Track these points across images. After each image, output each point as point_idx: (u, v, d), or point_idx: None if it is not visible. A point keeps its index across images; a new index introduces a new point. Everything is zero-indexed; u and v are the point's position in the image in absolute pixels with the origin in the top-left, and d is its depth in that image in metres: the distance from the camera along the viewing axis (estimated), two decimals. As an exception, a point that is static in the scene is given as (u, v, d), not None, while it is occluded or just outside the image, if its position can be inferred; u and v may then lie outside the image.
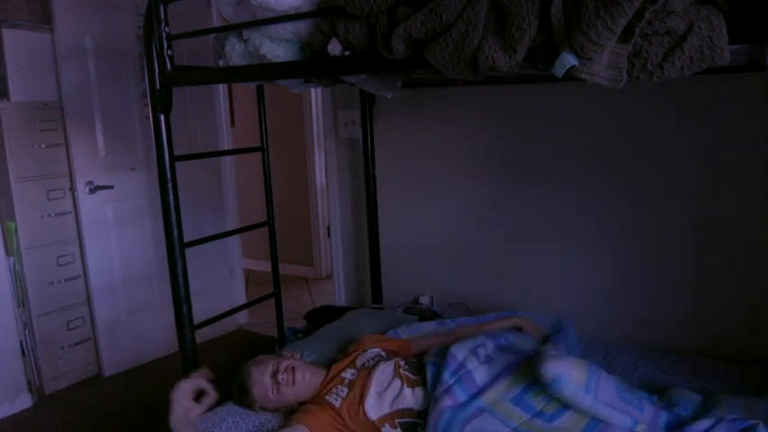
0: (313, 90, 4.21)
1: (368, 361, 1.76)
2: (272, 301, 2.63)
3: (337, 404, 1.63)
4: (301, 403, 1.71)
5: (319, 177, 4.60)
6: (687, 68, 1.03)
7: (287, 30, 1.49)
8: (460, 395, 1.52)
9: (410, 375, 1.66)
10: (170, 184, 1.84)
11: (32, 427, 2.71)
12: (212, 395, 1.67)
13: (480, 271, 2.55)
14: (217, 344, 3.52)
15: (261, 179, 2.58)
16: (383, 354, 1.82)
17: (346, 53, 1.41)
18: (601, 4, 1.00)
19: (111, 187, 3.05)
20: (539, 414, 1.44)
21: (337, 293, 3.02)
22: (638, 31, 1.02)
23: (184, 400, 1.61)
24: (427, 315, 2.42)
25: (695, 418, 1.51)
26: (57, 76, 2.89)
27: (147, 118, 3.10)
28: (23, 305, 2.87)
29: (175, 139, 1.85)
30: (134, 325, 3.23)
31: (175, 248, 1.88)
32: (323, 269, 4.76)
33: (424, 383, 1.63)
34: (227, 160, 3.67)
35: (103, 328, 3.12)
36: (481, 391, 1.53)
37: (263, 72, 1.64)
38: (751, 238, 2.00)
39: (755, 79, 1.83)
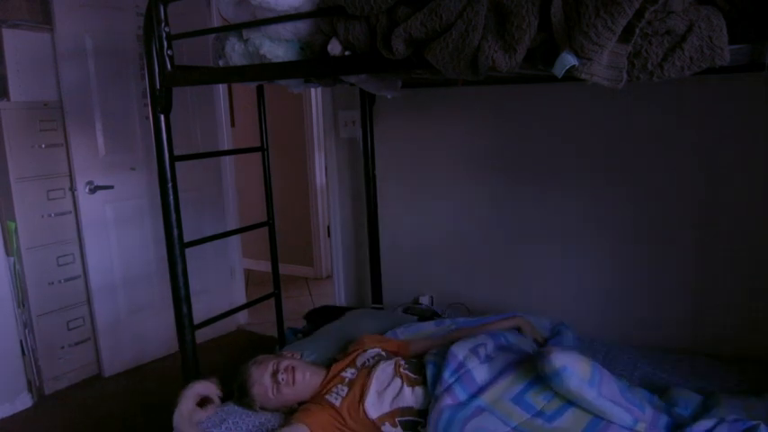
0: (313, 90, 4.21)
1: (368, 360, 1.76)
2: (272, 301, 2.63)
3: (337, 403, 1.63)
4: (301, 403, 1.72)
5: (319, 177, 4.60)
6: (687, 68, 1.03)
7: (287, 30, 1.49)
8: (460, 394, 1.52)
9: (410, 374, 1.66)
10: (170, 184, 1.84)
11: (32, 427, 2.71)
12: (215, 406, 1.72)
13: (480, 271, 2.55)
14: (217, 344, 3.52)
15: (261, 179, 2.58)
16: (383, 354, 1.82)
17: (346, 53, 1.41)
18: (601, 4, 1.00)
19: (111, 187, 3.05)
20: (539, 414, 1.44)
21: (337, 293, 3.02)
22: (638, 31, 1.03)
23: (191, 401, 1.65)
24: (427, 315, 2.42)
25: (695, 418, 1.51)
26: (57, 76, 2.89)
27: (147, 118, 3.10)
28: (23, 305, 2.87)
29: (175, 139, 1.85)
30: (134, 325, 3.23)
31: (175, 248, 1.88)
32: (323, 269, 4.76)
33: (424, 382, 1.63)
34: (227, 160, 3.67)
35: (103, 328, 3.12)
36: (481, 390, 1.53)
37: (263, 72, 1.64)
38: (751, 238, 2.00)
39: (755, 79, 1.84)
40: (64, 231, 3.00)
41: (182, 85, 1.83)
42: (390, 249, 2.73)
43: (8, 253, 2.80)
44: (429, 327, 2.08)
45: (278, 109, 4.42)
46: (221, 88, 3.60)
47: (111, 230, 3.10)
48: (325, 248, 4.65)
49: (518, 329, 1.92)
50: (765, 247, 1.98)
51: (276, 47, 1.54)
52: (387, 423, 1.58)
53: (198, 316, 2.00)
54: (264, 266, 4.53)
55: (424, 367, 1.67)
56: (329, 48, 1.42)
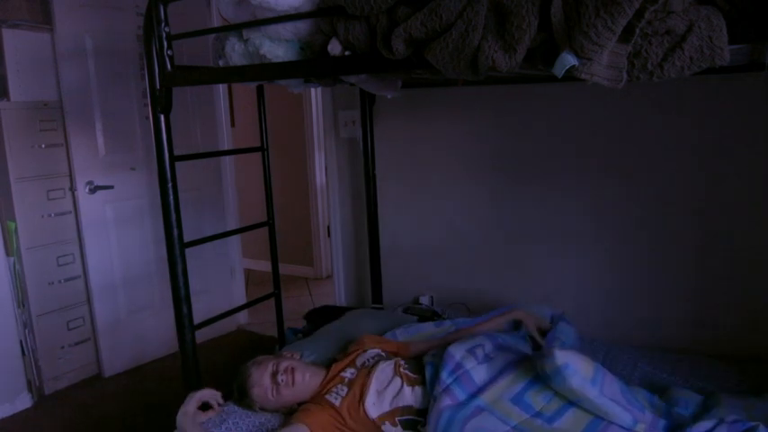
0: (313, 90, 4.21)
1: (368, 360, 1.76)
2: (272, 301, 2.63)
3: (337, 403, 1.63)
4: (301, 403, 1.72)
5: (319, 177, 4.60)
6: (687, 68, 1.03)
7: (287, 30, 1.49)
8: (459, 394, 1.53)
9: (410, 374, 1.66)
10: (170, 184, 1.84)
11: (32, 427, 2.71)
12: (214, 413, 1.75)
13: (480, 271, 2.55)
14: (217, 344, 3.52)
15: (261, 179, 2.58)
16: (383, 354, 1.82)
17: (346, 53, 1.41)
18: (601, 4, 1.00)
19: (111, 187, 3.05)
20: (538, 414, 1.44)
21: (337, 293, 3.02)
22: (638, 31, 1.02)
23: (195, 403, 1.69)
24: (427, 315, 2.42)
25: (695, 418, 1.51)
26: (57, 76, 2.89)
27: (147, 118, 3.10)
28: (23, 305, 2.87)
29: (175, 139, 1.85)
30: (134, 325, 3.23)
31: (175, 248, 1.88)
32: (323, 269, 4.76)
33: (423, 382, 1.63)
34: (227, 160, 3.67)
35: (103, 328, 3.12)
36: (480, 390, 1.53)
37: (263, 72, 1.64)
38: (751, 238, 2.00)
39: (755, 79, 1.84)
40: (64, 231, 3.00)
41: (182, 85, 1.83)
42: (390, 249, 2.73)
43: (8, 253, 2.80)
44: (428, 327, 2.08)
45: (278, 109, 4.42)
46: (221, 88, 3.60)
47: (111, 230, 3.10)
48: (326, 248, 4.65)
49: (517, 323, 1.91)
50: (765, 246, 1.98)
51: (276, 47, 1.54)
52: (387, 422, 1.59)
53: (198, 316, 2.00)
54: (264, 266, 4.53)
55: (424, 367, 1.67)
56: (329, 48, 1.42)
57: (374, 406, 1.60)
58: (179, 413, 1.65)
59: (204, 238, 2.22)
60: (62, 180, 2.98)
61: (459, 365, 1.59)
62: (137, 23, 3.05)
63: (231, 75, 1.82)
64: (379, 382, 1.65)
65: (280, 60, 1.55)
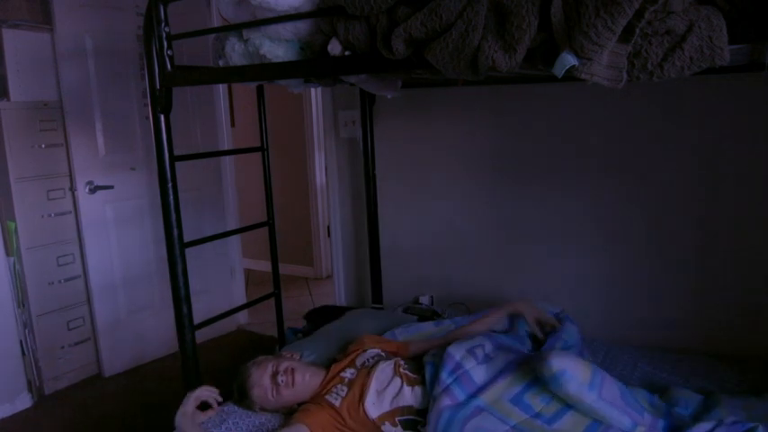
0: (313, 90, 4.21)
1: (367, 360, 1.76)
2: (272, 301, 2.63)
3: (337, 403, 1.63)
4: (301, 404, 1.72)
5: (319, 177, 4.60)
6: (687, 68, 1.03)
7: (287, 30, 1.49)
8: (459, 395, 1.52)
9: (410, 374, 1.66)
10: (170, 184, 1.84)
11: (32, 427, 2.71)
12: (213, 412, 1.75)
13: (480, 271, 2.55)
14: (217, 344, 3.52)
15: (261, 179, 2.58)
16: (383, 354, 1.82)
17: (346, 53, 1.41)
18: (601, 4, 1.00)
19: (111, 187, 3.05)
20: (537, 416, 1.44)
21: (337, 293, 3.02)
22: (638, 31, 1.02)
23: (194, 403, 1.70)
24: (427, 315, 2.42)
25: (696, 417, 1.52)
26: (57, 76, 2.89)
27: (147, 118, 3.10)
28: (23, 305, 2.87)
29: (175, 139, 1.85)
30: (134, 325, 3.24)
31: (175, 248, 1.88)
32: (323, 269, 4.76)
33: (423, 382, 1.63)
34: (227, 160, 3.67)
35: (103, 328, 3.12)
36: (480, 390, 1.53)
37: (263, 72, 1.64)
38: (751, 238, 2.00)
39: (755, 79, 1.83)
40: (64, 231, 3.00)
41: (182, 85, 1.83)
42: (390, 249, 2.73)
43: (8, 253, 2.80)
44: (428, 327, 2.07)
45: (278, 109, 4.42)
46: (221, 88, 3.60)
47: (111, 230, 3.10)
48: (326, 248, 4.65)
49: (515, 316, 1.91)
50: (765, 247, 1.98)
51: (276, 47, 1.54)
52: (387, 422, 1.59)
53: (198, 316, 2.00)
54: (264, 266, 4.53)
55: (423, 367, 1.67)
56: (329, 48, 1.42)
57: (374, 406, 1.60)
58: (177, 413, 1.65)
59: (204, 238, 2.22)
60: (62, 180, 2.98)
61: (458, 365, 1.59)
62: (137, 23, 3.05)
63: (231, 75, 1.82)
64: (378, 382, 1.65)
65: (280, 60, 1.55)
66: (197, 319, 1.99)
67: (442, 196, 2.59)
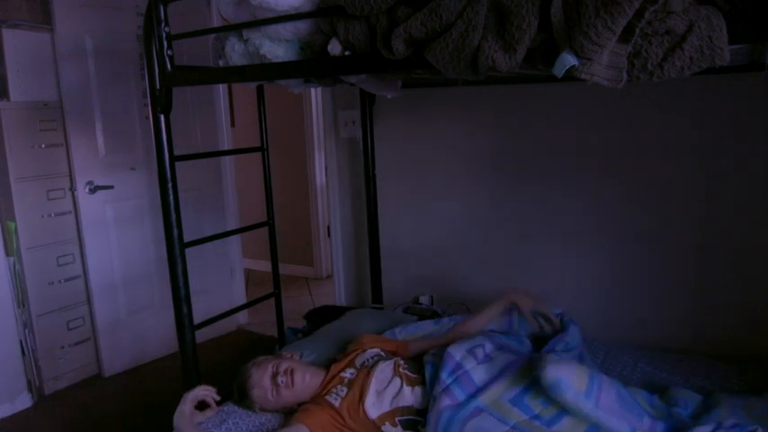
0: (313, 90, 4.21)
1: (367, 360, 1.76)
2: (272, 301, 2.63)
3: (337, 404, 1.63)
4: (301, 404, 1.72)
5: (319, 177, 4.60)
6: (687, 68, 1.03)
7: (287, 30, 1.49)
8: (459, 395, 1.52)
9: (409, 374, 1.66)
10: (170, 184, 1.84)
11: (32, 427, 2.71)
12: (212, 411, 1.75)
13: (480, 271, 2.55)
14: (217, 344, 3.52)
15: (261, 179, 2.58)
16: (382, 354, 1.82)
17: (346, 53, 1.41)
18: (601, 4, 1.00)
19: (111, 187, 3.05)
20: (537, 417, 1.43)
21: (337, 293, 3.02)
22: (638, 31, 1.02)
23: (193, 403, 1.69)
24: (427, 315, 2.42)
25: (695, 417, 1.51)
26: (57, 76, 2.89)
27: (147, 118, 3.10)
28: (23, 305, 2.87)
29: (175, 139, 1.85)
30: (134, 325, 3.23)
31: (175, 248, 1.88)
32: (323, 269, 4.76)
33: (423, 382, 1.63)
34: (227, 160, 3.67)
35: (103, 328, 3.12)
36: (480, 390, 1.53)
37: (263, 72, 1.64)
38: (751, 238, 2.00)
39: (755, 79, 1.83)
40: (64, 231, 3.00)
41: (182, 85, 1.83)
42: (390, 249, 2.73)
43: (8, 253, 2.80)
44: (427, 326, 2.08)
45: (278, 109, 4.42)
46: (221, 88, 3.60)
47: (111, 230, 3.10)
48: (326, 248, 4.65)
49: (514, 313, 1.90)
50: (765, 247, 1.98)
51: (276, 47, 1.54)
52: (387, 422, 1.59)
53: (198, 316, 2.00)
54: (264, 266, 4.53)
55: (423, 367, 1.67)
56: (329, 48, 1.42)
57: (374, 406, 1.60)
58: (175, 414, 1.64)
59: (204, 238, 2.22)
60: (62, 180, 2.98)
61: (458, 366, 1.59)
62: (137, 23, 3.05)
63: (231, 75, 1.82)
64: (378, 382, 1.65)
65: (280, 60, 1.55)
66: (197, 319, 1.99)
67: (442, 196, 2.59)
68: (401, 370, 1.67)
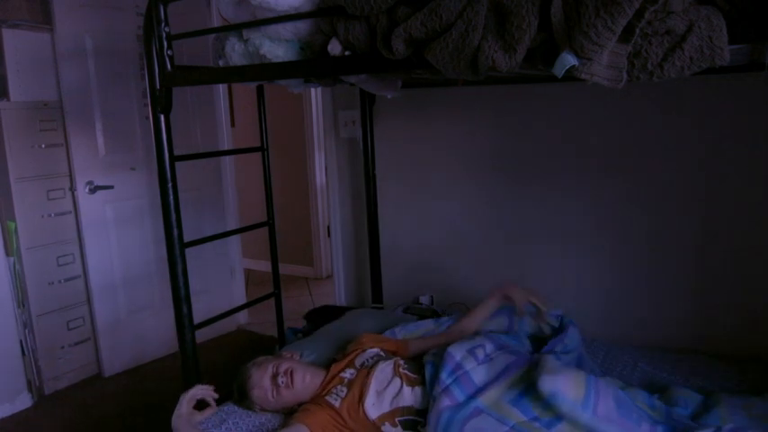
0: (313, 90, 4.21)
1: (367, 360, 1.76)
2: (272, 301, 2.63)
3: (337, 404, 1.63)
4: (301, 404, 1.72)
5: (319, 177, 4.60)
6: (687, 68, 1.03)
7: (287, 30, 1.49)
8: (459, 395, 1.52)
9: (409, 374, 1.66)
10: (170, 184, 1.84)
11: (32, 427, 2.71)
12: (212, 410, 1.75)
13: (480, 271, 2.55)
14: (217, 344, 3.52)
15: (261, 179, 2.58)
16: (382, 354, 1.82)
17: (346, 53, 1.41)
18: (601, 4, 1.00)
19: (111, 187, 3.05)
20: (536, 419, 1.43)
21: (337, 293, 3.02)
22: (638, 31, 1.02)
23: (190, 403, 1.69)
24: (427, 315, 2.41)
25: (695, 417, 1.51)
26: (57, 76, 2.89)
27: (147, 118, 3.10)
28: (23, 305, 2.87)
29: (175, 139, 1.85)
30: (134, 325, 3.24)
31: (175, 248, 1.88)
32: (323, 269, 4.76)
33: (423, 382, 1.63)
34: (227, 160, 3.67)
35: (103, 328, 3.12)
36: (479, 391, 1.52)
37: (263, 72, 1.64)
38: (751, 238, 2.00)
39: (755, 79, 1.83)
40: (64, 231, 3.00)
41: (182, 85, 1.83)
42: (390, 249, 2.73)
43: (8, 253, 2.80)
44: (427, 325, 2.07)
45: (278, 109, 4.42)
46: (221, 88, 3.60)
47: (111, 230, 3.10)
48: (326, 248, 4.65)
49: (508, 299, 1.86)
50: (765, 247, 1.98)
51: (276, 47, 1.54)
52: (387, 423, 1.58)
53: (198, 316, 2.00)
54: (264, 266, 4.53)
55: (423, 367, 1.67)
56: (329, 48, 1.42)
57: (374, 407, 1.60)
58: (173, 416, 1.64)
59: (204, 238, 2.22)
60: (62, 180, 2.98)
61: (458, 366, 1.59)
62: (137, 23, 3.05)
63: (231, 75, 1.82)
64: (378, 383, 1.65)
65: (280, 60, 1.55)
66: (197, 319, 1.99)
67: (442, 196, 2.59)
68: (401, 370, 1.67)
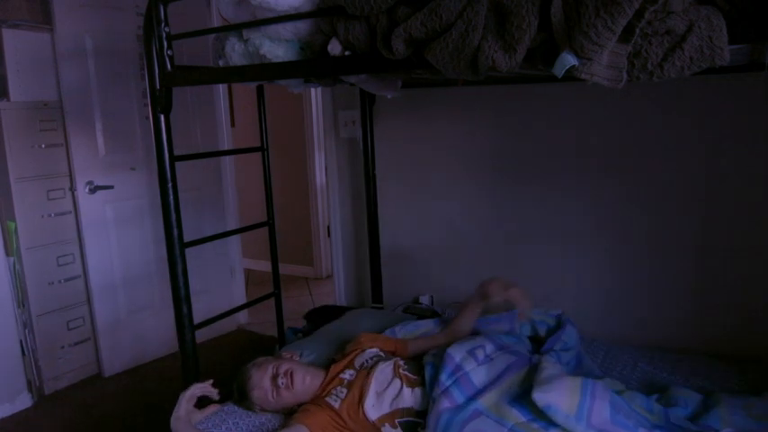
0: (313, 90, 4.21)
1: (366, 361, 1.76)
2: (272, 301, 2.63)
3: (336, 405, 1.63)
4: (301, 404, 1.71)
5: (319, 177, 4.60)
6: (687, 68, 1.03)
7: (287, 30, 1.49)
8: (458, 397, 1.52)
9: (409, 375, 1.66)
10: (170, 184, 1.84)
11: (32, 427, 2.71)
12: (214, 408, 1.74)
13: (480, 271, 2.53)
14: (217, 344, 3.52)
15: (261, 179, 2.58)
16: (381, 354, 1.82)
17: (346, 53, 1.41)
18: (601, 4, 1.00)
19: (111, 187, 3.05)
20: (535, 420, 1.43)
21: (337, 293, 3.02)
22: (638, 31, 1.02)
23: (190, 402, 1.68)
24: (427, 315, 2.41)
25: (695, 417, 1.51)
26: (57, 76, 2.89)
27: (147, 118, 3.10)
28: (23, 305, 2.87)
29: (175, 139, 1.85)
30: (134, 325, 3.23)
31: (175, 248, 1.88)
32: (323, 269, 4.76)
33: (423, 383, 1.63)
34: (227, 160, 3.67)
35: (103, 328, 3.12)
36: (479, 392, 1.52)
37: (263, 72, 1.64)
38: (751, 238, 2.00)
39: (755, 79, 1.83)
40: (64, 231, 3.00)
41: (182, 85, 1.83)
42: (390, 249, 2.73)
43: (8, 253, 2.80)
44: (427, 324, 2.07)
45: (278, 109, 4.42)
46: (221, 88, 3.60)
47: (111, 230, 3.10)
48: (326, 248, 4.65)
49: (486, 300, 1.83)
50: (765, 246, 1.98)
51: (276, 47, 1.54)
52: (386, 424, 1.58)
53: (198, 316, 2.00)
54: (264, 266, 4.53)
55: (423, 368, 1.67)
56: (329, 48, 1.42)
57: (373, 408, 1.60)
58: (172, 418, 1.62)
59: (204, 238, 2.22)
60: (62, 180, 2.98)
61: (458, 367, 1.58)
62: (137, 23, 3.05)
63: (231, 75, 1.82)
64: (378, 384, 1.64)
65: (280, 60, 1.55)
66: (197, 319, 1.99)
67: (442, 196, 2.59)
68: (401, 371, 1.67)
